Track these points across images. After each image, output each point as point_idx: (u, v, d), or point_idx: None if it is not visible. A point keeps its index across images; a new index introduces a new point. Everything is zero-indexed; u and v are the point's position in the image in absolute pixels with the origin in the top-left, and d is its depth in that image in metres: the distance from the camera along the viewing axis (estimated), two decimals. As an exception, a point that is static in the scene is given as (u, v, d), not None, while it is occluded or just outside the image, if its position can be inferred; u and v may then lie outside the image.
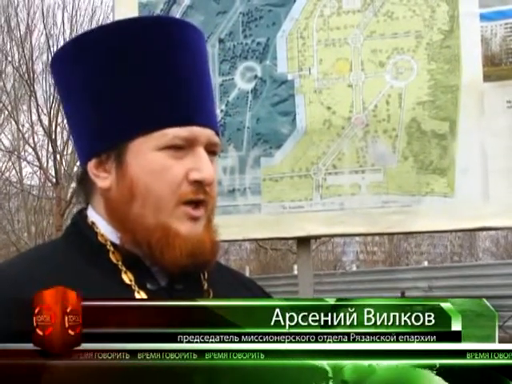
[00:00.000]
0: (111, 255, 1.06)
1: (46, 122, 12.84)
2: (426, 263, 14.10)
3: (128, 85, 1.05)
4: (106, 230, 1.08)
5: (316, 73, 2.46)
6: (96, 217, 1.10)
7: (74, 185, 13.13)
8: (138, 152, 1.05)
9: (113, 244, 1.07)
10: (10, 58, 13.42)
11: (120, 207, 1.06)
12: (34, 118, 13.42)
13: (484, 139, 2.30)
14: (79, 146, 1.13)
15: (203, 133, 1.07)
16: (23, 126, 14.11)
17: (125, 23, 1.12)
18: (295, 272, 10.41)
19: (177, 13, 2.58)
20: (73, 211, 14.90)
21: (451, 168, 2.31)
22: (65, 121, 13.39)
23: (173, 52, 1.07)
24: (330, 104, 2.44)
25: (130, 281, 1.05)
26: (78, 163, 1.16)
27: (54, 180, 12.82)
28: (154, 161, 1.04)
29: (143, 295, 1.04)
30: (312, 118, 2.45)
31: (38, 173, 14.44)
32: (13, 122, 14.07)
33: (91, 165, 1.08)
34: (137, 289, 1.04)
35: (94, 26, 13.46)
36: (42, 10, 13.35)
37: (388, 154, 2.37)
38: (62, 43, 12.97)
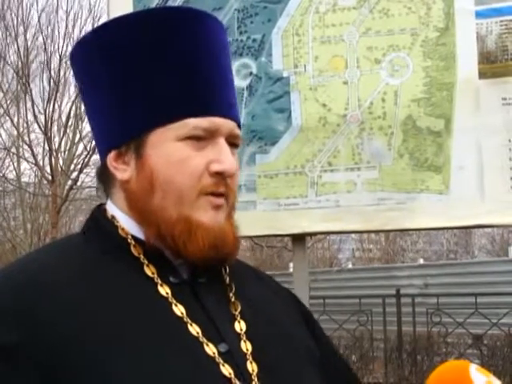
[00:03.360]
0: (132, 248, 1.05)
1: (41, 119, 12.84)
2: (421, 261, 14.12)
3: (148, 75, 1.04)
4: (126, 224, 1.07)
5: (311, 70, 2.45)
6: (116, 211, 1.09)
7: (69, 182, 13.12)
8: (157, 142, 1.03)
9: (134, 237, 1.06)
10: (6, 56, 13.40)
11: (141, 199, 1.04)
12: (30, 115, 13.41)
13: (479, 136, 2.29)
14: (99, 139, 1.12)
15: (224, 124, 1.05)
16: (20, 123, 14.09)
17: (146, 14, 1.12)
18: (291, 269, 10.41)
19: (172, 9, 2.57)
20: (69, 208, 14.89)
21: (446, 165, 2.31)
22: (60, 119, 13.38)
23: (193, 43, 1.06)
24: (326, 101, 2.43)
25: (153, 274, 1.04)
26: (98, 157, 1.15)
27: (50, 177, 12.81)
28: (174, 151, 1.03)
29: (166, 288, 1.03)
30: (307, 115, 2.44)
31: (34, 170, 14.44)
32: (9, 120, 14.05)
33: (110, 157, 1.07)
34: (160, 282, 1.03)
35: (91, 24, 13.47)
36: (38, 8, 13.32)
37: (383, 151, 2.36)
38: (57, 42, 12.97)
